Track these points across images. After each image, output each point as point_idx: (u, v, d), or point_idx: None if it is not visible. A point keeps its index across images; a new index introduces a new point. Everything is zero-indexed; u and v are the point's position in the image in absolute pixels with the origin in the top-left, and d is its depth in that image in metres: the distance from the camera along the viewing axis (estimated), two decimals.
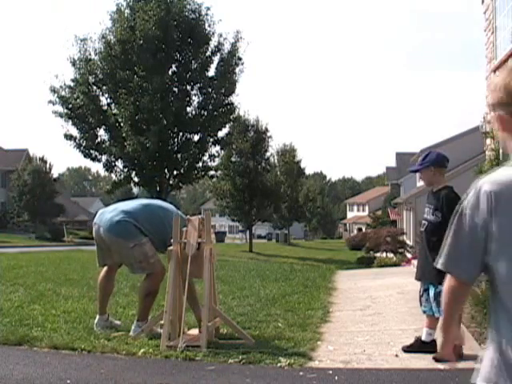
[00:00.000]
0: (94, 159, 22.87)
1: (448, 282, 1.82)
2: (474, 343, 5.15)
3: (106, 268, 5.93)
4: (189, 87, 22.44)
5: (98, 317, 5.76)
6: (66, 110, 21.85)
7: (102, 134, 22.66)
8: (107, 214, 5.73)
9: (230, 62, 22.39)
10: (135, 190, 68.39)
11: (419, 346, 4.83)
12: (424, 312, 4.90)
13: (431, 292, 4.73)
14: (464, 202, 1.72)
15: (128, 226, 5.53)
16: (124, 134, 21.19)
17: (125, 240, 5.50)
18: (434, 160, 4.88)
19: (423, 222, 4.92)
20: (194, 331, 5.36)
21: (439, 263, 1.89)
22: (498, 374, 1.63)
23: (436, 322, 4.88)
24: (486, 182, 1.68)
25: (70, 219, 59.76)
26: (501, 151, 5.17)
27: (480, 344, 5.12)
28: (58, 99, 21.87)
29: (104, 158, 22.75)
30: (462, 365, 4.48)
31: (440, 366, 4.45)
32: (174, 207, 6.04)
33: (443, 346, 1.92)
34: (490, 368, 1.66)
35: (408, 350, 4.83)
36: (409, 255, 20.19)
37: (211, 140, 23.22)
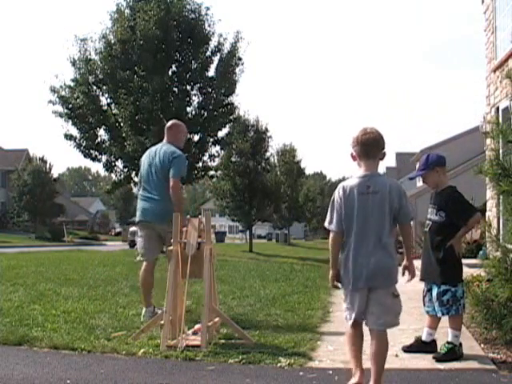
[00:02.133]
0: (94, 159, 22.82)
1: (330, 235, 3.62)
2: (474, 343, 5.15)
3: (145, 263, 6.17)
4: (189, 87, 22.39)
5: (144, 309, 6.10)
6: (66, 110, 21.80)
7: (102, 134, 22.61)
8: (147, 205, 6.20)
9: (230, 62, 22.34)
10: (135, 190, 68.37)
11: (419, 346, 4.84)
12: (427, 312, 4.91)
13: (434, 292, 4.74)
14: (335, 193, 3.61)
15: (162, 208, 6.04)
16: (124, 134, 21.15)
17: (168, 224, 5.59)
18: (437, 161, 4.91)
19: (427, 222, 4.96)
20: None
21: (325, 225, 3.66)
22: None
23: (437, 322, 4.88)
24: (343, 184, 3.62)
25: (70, 219, 59.85)
26: (501, 151, 5.18)
27: (480, 344, 5.11)
28: (57, 99, 21.81)
29: (104, 158, 22.70)
30: (462, 365, 4.50)
31: (440, 365, 4.45)
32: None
33: (330, 278, 3.69)
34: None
35: (408, 349, 4.83)
36: None
37: (211, 140, 23.17)
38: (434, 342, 4.84)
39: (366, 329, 3.62)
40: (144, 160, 6.36)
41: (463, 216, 4.72)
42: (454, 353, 4.60)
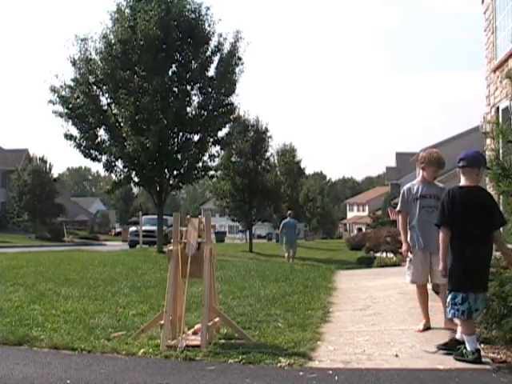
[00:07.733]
0: (94, 159, 22.80)
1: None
2: None
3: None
4: (189, 87, 22.38)
5: None
6: (66, 110, 21.78)
7: (102, 133, 22.61)
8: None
9: (230, 62, 22.33)
10: (135, 189, 68.22)
11: (453, 345, 4.70)
12: None
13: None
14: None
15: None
16: (124, 134, 21.16)
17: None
18: (457, 162, 4.63)
19: None
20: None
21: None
22: None
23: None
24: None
25: (70, 219, 59.73)
26: (501, 151, 5.18)
27: (480, 344, 5.11)
28: (58, 99, 21.79)
29: (104, 157, 22.69)
30: (462, 365, 4.49)
31: (440, 366, 4.45)
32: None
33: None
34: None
35: (442, 347, 4.73)
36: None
37: (211, 140, 23.16)
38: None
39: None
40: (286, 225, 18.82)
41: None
42: (461, 355, 4.49)
